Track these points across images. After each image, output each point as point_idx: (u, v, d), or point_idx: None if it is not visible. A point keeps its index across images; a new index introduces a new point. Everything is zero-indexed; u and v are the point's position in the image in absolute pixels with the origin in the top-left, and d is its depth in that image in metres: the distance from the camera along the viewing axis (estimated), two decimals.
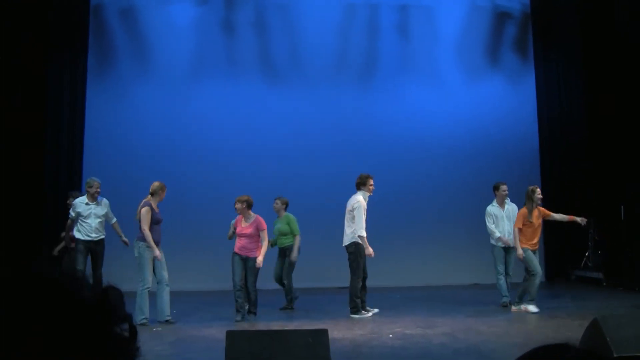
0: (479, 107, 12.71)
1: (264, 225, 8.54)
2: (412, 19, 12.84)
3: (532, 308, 8.65)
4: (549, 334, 7.04)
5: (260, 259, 8.43)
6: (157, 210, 8.35)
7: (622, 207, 11.38)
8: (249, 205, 8.47)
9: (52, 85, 11.53)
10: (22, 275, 0.84)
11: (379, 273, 9.18)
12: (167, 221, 8.55)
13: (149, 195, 8.37)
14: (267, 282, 9.62)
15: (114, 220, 8.92)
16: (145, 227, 8.09)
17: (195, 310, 9.19)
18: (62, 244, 9.37)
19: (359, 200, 8.71)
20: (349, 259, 8.73)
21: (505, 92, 12.97)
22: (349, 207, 8.79)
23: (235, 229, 8.60)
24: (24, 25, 11.08)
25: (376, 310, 8.84)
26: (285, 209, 9.45)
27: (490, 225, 9.32)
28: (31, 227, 10.19)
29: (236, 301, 8.49)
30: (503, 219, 9.29)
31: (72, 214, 8.73)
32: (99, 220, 8.73)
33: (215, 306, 9.49)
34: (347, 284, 8.82)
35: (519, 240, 8.73)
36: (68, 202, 9.37)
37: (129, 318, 0.86)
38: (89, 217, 8.70)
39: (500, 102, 12.84)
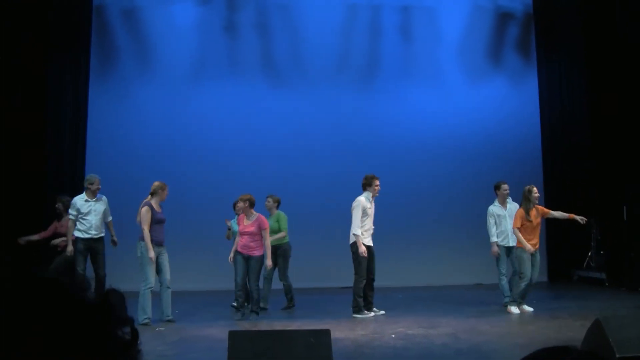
0: (481, 108, 12.70)
1: (267, 224, 8.59)
2: (413, 20, 12.83)
3: (514, 309, 8.71)
4: (551, 335, 7.04)
5: (268, 262, 8.57)
6: (159, 210, 8.36)
7: (624, 207, 11.35)
8: (252, 204, 8.55)
9: (53, 85, 11.52)
10: (22, 276, 0.84)
11: (381, 273, 9.17)
12: (168, 221, 8.56)
13: (150, 195, 8.40)
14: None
15: (110, 218, 8.93)
16: (145, 227, 8.10)
17: (197, 310, 9.20)
18: (61, 239, 9.17)
19: (359, 199, 8.74)
20: (352, 258, 8.76)
21: (508, 93, 12.96)
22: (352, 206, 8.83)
23: (231, 227, 8.68)
24: (24, 25, 11.08)
25: (382, 312, 8.84)
26: (277, 207, 9.45)
27: (491, 227, 9.31)
28: (31, 227, 10.16)
29: (236, 300, 8.63)
30: (505, 218, 9.27)
31: (73, 213, 8.71)
32: (99, 217, 8.74)
33: (217, 306, 9.51)
34: (348, 284, 8.85)
35: (519, 240, 8.77)
36: (57, 206, 9.20)
37: (130, 321, 0.86)
38: (89, 214, 8.70)
39: (503, 102, 12.83)
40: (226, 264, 8.92)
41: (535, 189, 8.88)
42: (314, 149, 12.18)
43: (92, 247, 8.71)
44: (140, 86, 12.20)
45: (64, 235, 8.94)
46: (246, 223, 8.54)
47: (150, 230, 8.16)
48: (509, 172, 11.30)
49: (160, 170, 10.53)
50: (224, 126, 12.18)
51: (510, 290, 8.97)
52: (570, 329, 7.28)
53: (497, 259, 9.26)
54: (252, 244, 8.48)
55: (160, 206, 8.44)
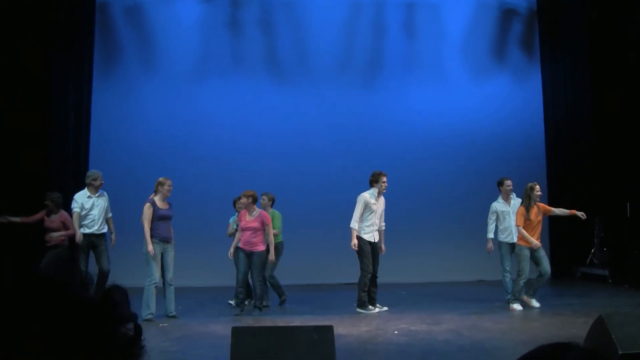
0: (485, 106, 12.68)
1: (269, 220, 8.62)
2: (417, 17, 12.80)
3: (517, 306, 8.72)
4: (554, 332, 7.04)
5: (272, 257, 8.63)
6: (164, 206, 8.38)
7: (628, 204, 11.35)
8: (254, 200, 8.62)
9: (55, 84, 11.49)
10: (22, 276, 0.84)
11: (385, 270, 9.18)
12: (173, 218, 8.59)
13: (154, 192, 8.45)
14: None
15: (110, 215, 8.94)
16: (145, 223, 8.19)
17: (200, 307, 9.23)
18: (59, 234, 8.90)
19: (363, 195, 8.79)
20: (356, 253, 8.78)
21: (511, 90, 12.93)
22: None
23: (237, 223, 8.71)
24: (24, 25, 11.06)
25: (385, 308, 8.86)
26: (272, 205, 9.45)
27: (490, 224, 9.31)
28: (31, 227, 10.15)
29: (236, 297, 8.75)
30: (509, 214, 9.25)
31: (77, 208, 8.69)
32: (102, 213, 8.75)
33: (220, 302, 9.52)
34: (350, 280, 8.87)
35: (520, 236, 8.76)
36: (47, 202, 8.89)
37: (133, 317, 0.87)
38: (92, 209, 8.70)
39: (506, 100, 12.81)
40: (229, 260, 8.96)
41: (537, 187, 8.86)
42: (317, 146, 12.17)
43: (94, 243, 8.72)
44: (144, 83, 12.19)
45: (54, 230, 8.74)
46: (249, 219, 8.57)
47: (153, 227, 8.22)
48: (512, 169, 11.28)
49: (163, 167, 10.54)
50: (226, 123, 12.18)
51: (529, 286, 8.93)
52: (573, 325, 7.27)
53: (501, 256, 9.26)
54: (254, 240, 8.51)
55: (168, 203, 8.48)
